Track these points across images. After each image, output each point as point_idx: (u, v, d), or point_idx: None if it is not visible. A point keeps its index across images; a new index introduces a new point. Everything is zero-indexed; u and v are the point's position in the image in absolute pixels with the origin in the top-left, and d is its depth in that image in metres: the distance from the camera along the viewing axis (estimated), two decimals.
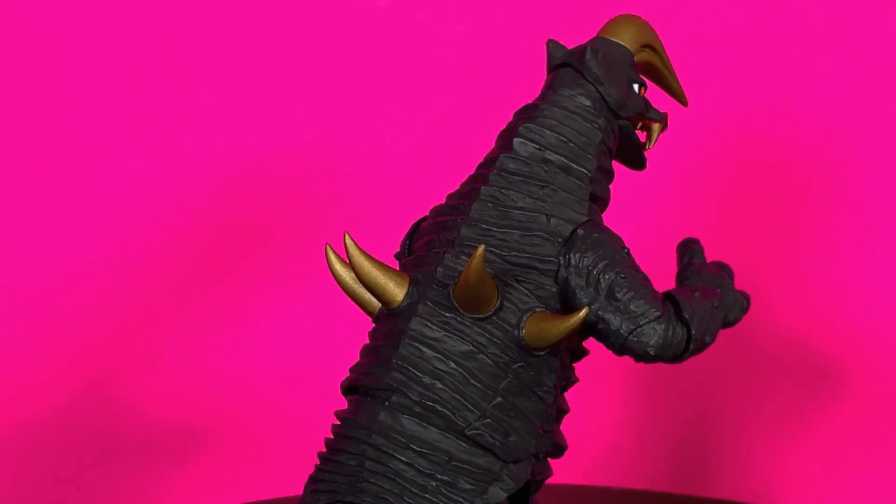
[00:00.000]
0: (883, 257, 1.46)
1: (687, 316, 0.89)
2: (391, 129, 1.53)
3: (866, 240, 1.46)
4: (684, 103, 1.01)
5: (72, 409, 1.46)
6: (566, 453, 0.90)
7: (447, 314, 0.85)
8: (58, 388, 1.47)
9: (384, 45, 1.53)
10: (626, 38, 0.94)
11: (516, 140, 0.90)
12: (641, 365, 1.42)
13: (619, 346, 0.88)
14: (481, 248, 0.82)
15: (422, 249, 0.89)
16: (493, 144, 0.92)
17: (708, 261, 0.98)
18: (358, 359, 0.89)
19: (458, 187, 0.92)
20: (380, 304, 0.88)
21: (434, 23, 1.53)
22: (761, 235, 1.48)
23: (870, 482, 1.42)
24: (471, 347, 0.84)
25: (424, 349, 0.84)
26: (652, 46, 0.96)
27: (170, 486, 1.43)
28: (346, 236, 0.86)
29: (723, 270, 0.97)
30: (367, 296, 0.88)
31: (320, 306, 1.47)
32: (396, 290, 0.86)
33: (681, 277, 0.97)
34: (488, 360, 0.84)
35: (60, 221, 1.52)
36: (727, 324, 0.94)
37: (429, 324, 0.84)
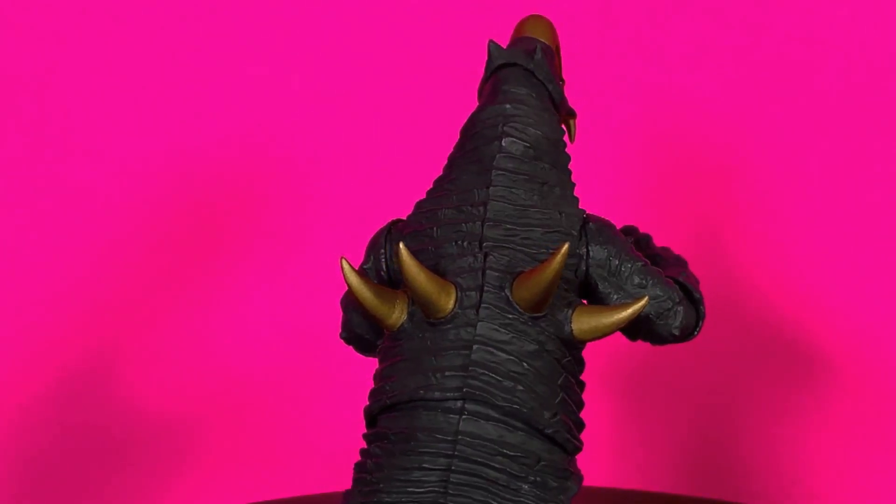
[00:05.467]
0: (884, 256, 1.46)
1: (697, 297, 0.92)
2: (389, 128, 1.53)
3: (867, 238, 1.46)
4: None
5: (71, 408, 1.46)
6: None
7: (509, 316, 0.84)
8: (57, 388, 1.47)
9: (384, 45, 1.53)
10: (546, 38, 0.95)
11: (506, 139, 0.89)
12: (641, 365, 1.42)
13: (645, 331, 0.90)
14: (565, 245, 0.82)
15: (432, 255, 0.87)
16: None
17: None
18: (380, 376, 0.86)
19: (428, 194, 0.91)
20: (402, 318, 0.85)
21: (434, 23, 1.53)
22: (761, 235, 1.48)
23: (870, 482, 1.42)
24: (536, 347, 0.84)
25: (498, 353, 0.83)
26: (558, 46, 0.97)
27: (170, 486, 1.43)
28: (401, 245, 0.83)
29: (676, 254, 0.99)
30: (387, 309, 0.85)
31: (322, 306, 1.47)
32: (447, 299, 0.84)
33: (654, 263, 0.98)
34: (550, 357, 0.85)
35: (55, 222, 1.52)
36: None
37: (496, 327, 0.84)
